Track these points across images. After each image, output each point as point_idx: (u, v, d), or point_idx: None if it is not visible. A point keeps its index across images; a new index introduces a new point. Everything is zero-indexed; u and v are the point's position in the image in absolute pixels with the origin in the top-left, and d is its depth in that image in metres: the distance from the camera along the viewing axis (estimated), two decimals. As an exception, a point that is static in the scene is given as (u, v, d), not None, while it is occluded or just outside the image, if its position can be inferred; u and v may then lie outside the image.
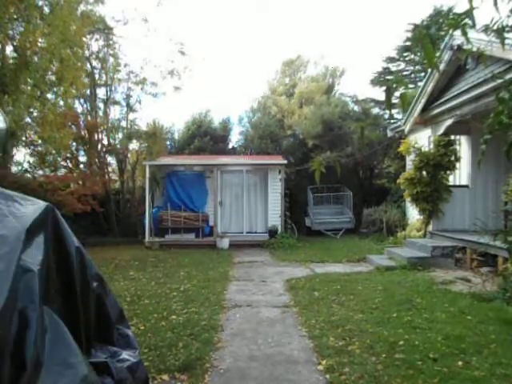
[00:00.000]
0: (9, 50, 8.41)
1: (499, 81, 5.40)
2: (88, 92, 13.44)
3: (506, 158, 2.04)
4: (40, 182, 10.77)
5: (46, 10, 8.33)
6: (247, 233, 12.76)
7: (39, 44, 8.08)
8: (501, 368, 3.23)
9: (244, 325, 4.59)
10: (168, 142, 17.04)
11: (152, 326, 4.44)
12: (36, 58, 8.07)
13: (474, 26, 1.75)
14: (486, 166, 8.62)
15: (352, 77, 23.08)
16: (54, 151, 11.20)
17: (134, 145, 14.59)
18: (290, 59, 22.77)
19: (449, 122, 8.56)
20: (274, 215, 12.16)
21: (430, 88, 8.74)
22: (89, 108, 13.94)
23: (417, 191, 8.68)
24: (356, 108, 17.78)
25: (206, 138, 16.69)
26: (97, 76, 14.02)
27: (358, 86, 47.99)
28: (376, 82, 20.33)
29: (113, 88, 14.33)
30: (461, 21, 1.75)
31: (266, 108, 20.23)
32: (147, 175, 11.79)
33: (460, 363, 3.34)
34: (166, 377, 3.26)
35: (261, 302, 5.56)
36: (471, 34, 1.98)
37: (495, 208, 8.42)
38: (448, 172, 8.64)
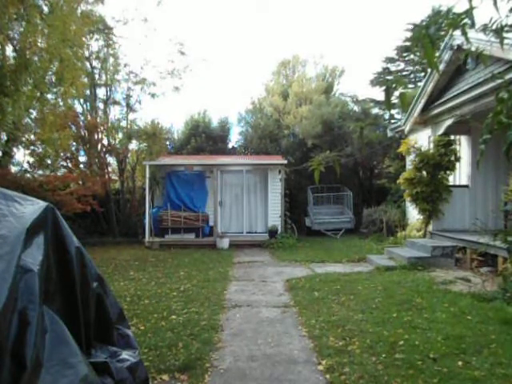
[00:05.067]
0: (9, 50, 8.42)
1: (499, 81, 5.40)
2: (88, 92, 13.43)
3: (505, 157, 2.04)
4: (40, 181, 10.76)
5: (46, 10, 8.33)
6: (247, 233, 12.76)
7: (39, 44, 8.08)
8: (501, 368, 3.23)
9: (244, 325, 4.59)
10: (168, 142, 17.04)
11: (152, 326, 4.44)
12: (36, 59, 8.07)
13: (473, 25, 1.75)
14: (485, 166, 8.64)
15: (352, 77, 23.13)
16: (53, 153, 11.19)
17: (133, 145, 14.60)
18: (287, 59, 22.77)
19: (449, 121, 8.56)
20: (274, 215, 12.17)
21: (429, 88, 8.74)
22: (89, 108, 13.93)
23: (417, 191, 8.67)
24: (356, 108, 17.79)
25: (203, 137, 16.69)
26: (97, 76, 14.02)
27: (357, 86, 48.05)
28: (376, 82, 20.35)
29: (113, 88, 14.33)
30: (460, 20, 1.75)
31: (261, 109, 20.24)
32: (147, 175, 11.80)
33: (460, 363, 3.34)
34: (165, 377, 3.26)
35: (261, 301, 5.56)
36: (471, 33, 1.98)
37: (495, 208, 8.42)
38: (448, 172, 8.64)
